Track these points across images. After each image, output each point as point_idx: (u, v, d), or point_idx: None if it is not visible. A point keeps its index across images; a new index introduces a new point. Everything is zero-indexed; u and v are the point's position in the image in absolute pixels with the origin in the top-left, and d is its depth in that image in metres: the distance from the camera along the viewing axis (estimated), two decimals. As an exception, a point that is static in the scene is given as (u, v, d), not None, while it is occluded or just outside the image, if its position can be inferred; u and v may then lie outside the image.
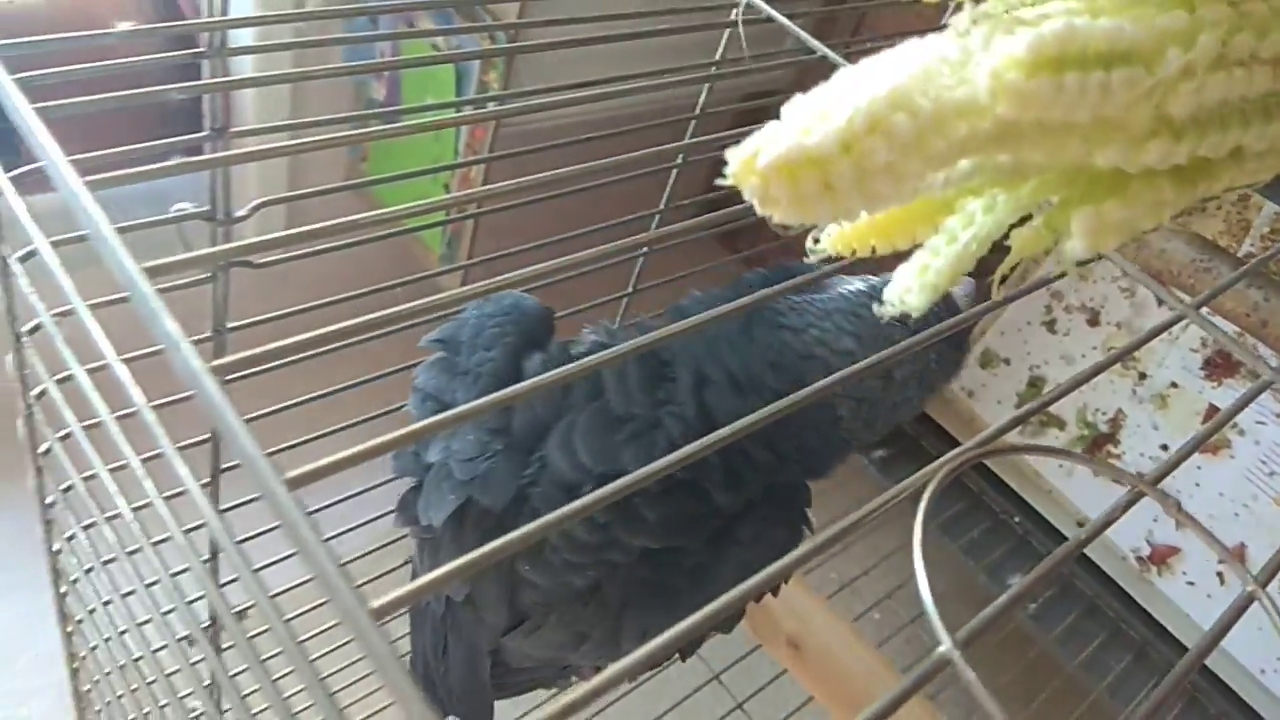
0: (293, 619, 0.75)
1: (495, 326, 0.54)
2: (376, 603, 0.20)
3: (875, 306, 0.47)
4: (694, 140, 0.58)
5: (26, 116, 0.27)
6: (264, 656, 0.26)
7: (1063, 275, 0.33)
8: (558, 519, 0.22)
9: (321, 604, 0.69)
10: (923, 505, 0.26)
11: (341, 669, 0.79)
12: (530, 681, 0.66)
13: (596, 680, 0.21)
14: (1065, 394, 0.32)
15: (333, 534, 0.69)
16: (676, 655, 0.63)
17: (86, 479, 0.40)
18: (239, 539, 0.27)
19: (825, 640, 0.77)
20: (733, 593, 0.23)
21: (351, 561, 0.75)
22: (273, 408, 0.57)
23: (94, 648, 0.50)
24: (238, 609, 0.26)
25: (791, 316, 0.48)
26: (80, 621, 0.50)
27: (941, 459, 0.27)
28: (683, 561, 0.51)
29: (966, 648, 0.24)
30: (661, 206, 0.69)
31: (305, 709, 0.73)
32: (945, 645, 0.23)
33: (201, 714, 0.47)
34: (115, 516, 0.35)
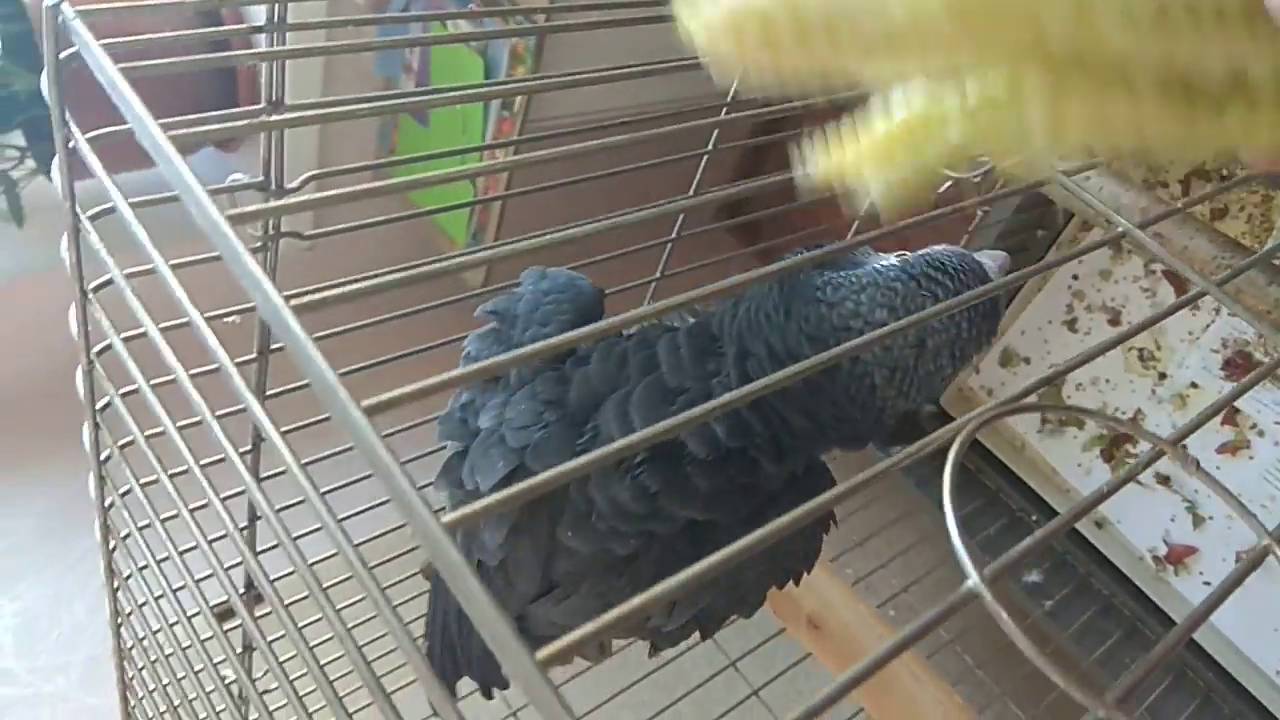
0: (377, 565, 0.76)
1: (551, 303, 0.56)
2: (449, 517, 0.21)
3: (906, 279, 0.48)
4: (730, 115, 0.59)
5: (116, 79, 0.29)
6: (342, 604, 0.28)
7: (1063, 263, 0.34)
8: (605, 455, 0.24)
9: (383, 563, 0.71)
10: (952, 453, 0.27)
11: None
12: None
13: (634, 602, 0.22)
14: (1088, 361, 0.33)
15: (359, 510, 0.70)
16: (697, 634, 0.64)
17: (150, 436, 0.42)
18: (279, 507, 0.29)
19: (845, 620, 0.78)
20: (747, 539, 0.24)
21: (373, 540, 0.76)
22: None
23: (142, 604, 0.52)
24: (315, 561, 0.27)
25: (828, 291, 0.50)
26: (128, 577, 0.52)
27: (969, 414, 0.29)
28: (719, 538, 0.52)
29: (994, 583, 0.25)
30: (691, 192, 0.70)
31: (382, 657, 0.75)
32: (973, 580, 0.24)
33: (260, 673, 0.49)
34: (184, 472, 0.37)
